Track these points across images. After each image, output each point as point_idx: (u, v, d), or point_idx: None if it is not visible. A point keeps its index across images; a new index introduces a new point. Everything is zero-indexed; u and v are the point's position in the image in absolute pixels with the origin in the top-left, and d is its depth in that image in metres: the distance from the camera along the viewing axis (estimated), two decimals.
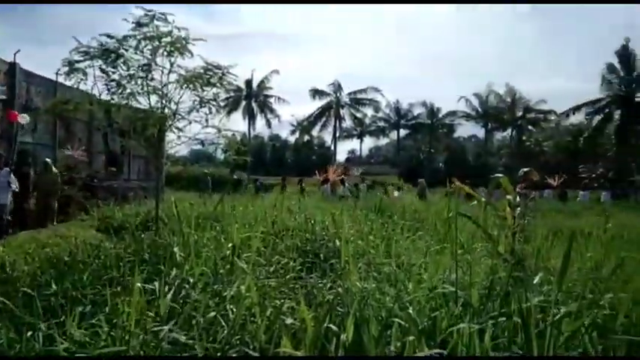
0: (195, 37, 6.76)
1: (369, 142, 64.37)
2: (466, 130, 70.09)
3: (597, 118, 37.10)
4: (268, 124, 49.48)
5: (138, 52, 6.72)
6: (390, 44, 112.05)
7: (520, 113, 51.14)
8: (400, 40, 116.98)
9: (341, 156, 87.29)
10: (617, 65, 35.36)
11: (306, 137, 59.12)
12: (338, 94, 49.20)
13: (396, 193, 15.94)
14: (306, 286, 3.17)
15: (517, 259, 3.71)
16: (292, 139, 64.17)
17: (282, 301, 2.47)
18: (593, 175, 44.17)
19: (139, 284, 2.26)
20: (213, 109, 6.89)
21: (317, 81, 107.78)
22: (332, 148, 53.70)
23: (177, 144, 7.24)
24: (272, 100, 48.63)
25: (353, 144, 63.55)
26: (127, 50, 6.70)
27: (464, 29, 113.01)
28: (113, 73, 6.77)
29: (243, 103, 48.48)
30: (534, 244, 5.94)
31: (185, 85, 6.76)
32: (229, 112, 47.19)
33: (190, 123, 7.01)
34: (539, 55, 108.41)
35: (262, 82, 48.00)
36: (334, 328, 1.94)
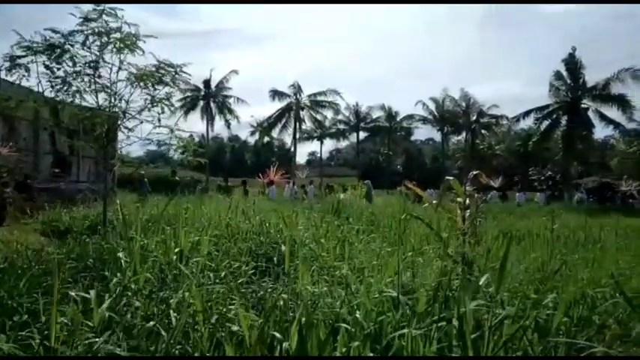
0: (149, 33, 6.58)
1: (329, 145, 64.79)
2: (423, 133, 71.94)
3: (545, 123, 38.80)
4: (227, 124, 48.76)
5: (85, 48, 6.45)
6: (350, 47, 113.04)
7: (474, 117, 52.80)
8: (361, 43, 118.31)
9: (301, 158, 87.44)
10: (564, 73, 37.15)
11: (266, 139, 58.75)
12: (298, 96, 49.13)
13: (341, 195, 16.11)
14: (257, 291, 3.10)
15: (466, 260, 3.77)
16: (252, 140, 63.71)
17: (229, 307, 2.40)
18: (542, 178, 46.30)
19: (73, 293, 2.13)
20: (166, 109, 6.70)
21: (277, 82, 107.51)
22: (292, 149, 53.60)
23: (128, 144, 6.99)
24: (231, 100, 47.97)
25: (314, 146, 63.75)
26: (72, 46, 6.42)
27: (422, 33, 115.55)
28: (58, 69, 6.48)
29: (202, 103, 47.56)
30: (484, 245, 6.11)
31: (136, 84, 6.54)
32: (187, 112, 46.22)
33: (142, 123, 6.79)
34: (494, 60, 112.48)
35: (221, 82, 47.28)
36: (277, 335, 1.89)
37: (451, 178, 4.04)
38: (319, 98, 49.28)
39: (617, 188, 30.60)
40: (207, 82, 46.84)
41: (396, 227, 6.70)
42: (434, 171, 56.13)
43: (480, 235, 8.49)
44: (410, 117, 57.34)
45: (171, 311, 2.38)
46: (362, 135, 60.04)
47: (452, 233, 4.17)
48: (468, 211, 4.07)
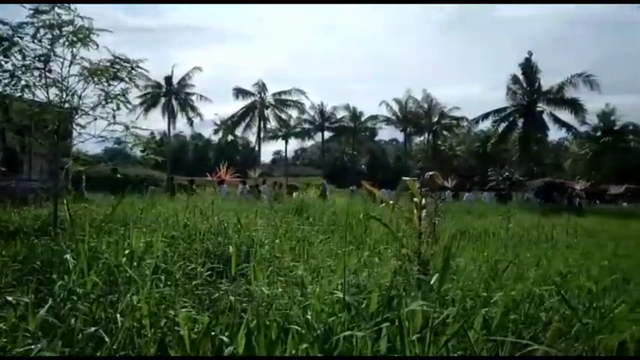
0: (110, 27, 6.38)
1: (294, 144, 64.72)
2: (387, 133, 72.97)
3: (503, 125, 40.20)
4: (190, 122, 47.89)
5: (35, 41, 6.17)
6: (316, 47, 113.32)
7: (436, 119, 54.01)
8: (326, 43, 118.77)
9: (266, 157, 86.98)
10: (521, 77, 38.59)
11: (230, 137, 58.07)
12: (262, 95, 48.82)
13: (294, 194, 16.19)
14: (212, 294, 3.04)
15: (421, 259, 3.82)
16: (216, 138, 62.82)
17: (180, 310, 2.34)
18: (500, 178, 47.91)
19: (11, 298, 2.02)
20: (122, 105, 6.48)
21: (241, 80, 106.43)
22: (257, 148, 53.26)
23: (80, 141, 6.75)
24: (194, 97, 47.14)
25: (278, 145, 63.48)
26: (22, 38, 6.13)
27: (388, 35, 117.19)
28: (6, 62, 6.18)
29: (163, 100, 46.51)
30: (441, 244, 6.22)
31: (89, 79, 6.31)
32: (147, 109, 45.11)
33: (95, 119, 6.55)
34: (456, 63, 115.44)
35: (183, 78, 46.38)
36: (225, 338, 1.86)
37: (407, 178, 4.10)
38: (284, 97, 49.18)
39: (565, 187, 31.90)
40: (168, 79, 45.88)
41: (356, 227, 6.75)
42: (397, 171, 57.04)
43: (439, 234, 8.67)
44: (374, 117, 58.12)
45: (117, 316, 2.30)
46: (327, 135, 60.43)
47: (409, 233, 4.23)
48: (425, 211, 4.14)
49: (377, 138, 69.42)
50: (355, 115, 57.88)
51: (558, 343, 1.83)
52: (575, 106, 37.26)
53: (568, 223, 12.57)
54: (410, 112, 54.92)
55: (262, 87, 48.68)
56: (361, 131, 60.05)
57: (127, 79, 6.43)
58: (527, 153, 38.68)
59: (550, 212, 19.39)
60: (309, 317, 2.05)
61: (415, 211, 3.96)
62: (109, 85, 6.39)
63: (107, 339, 1.96)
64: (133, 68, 6.45)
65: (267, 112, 49.20)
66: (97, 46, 6.32)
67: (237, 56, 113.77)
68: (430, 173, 4.42)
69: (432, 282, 2.63)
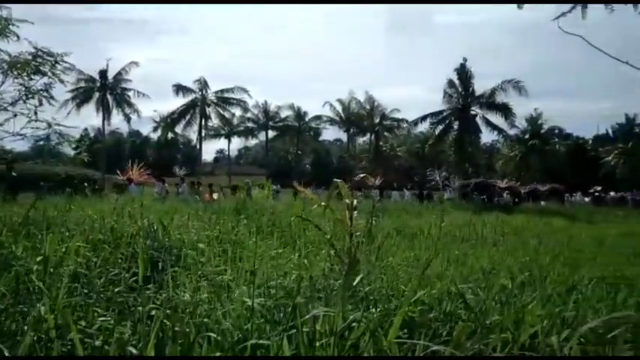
0: (24, 18, 5.97)
1: (238, 143, 63.69)
2: (332, 133, 73.60)
3: (440, 127, 41.88)
4: (127, 119, 45.80)
5: None
6: (259, 44, 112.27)
7: (377, 120, 55.17)
8: (271, 42, 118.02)
9: (209, 155, 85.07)
10: (457, 81, 40.34)
11: (170, 135, 56.26)
12: (204, 92, 47.65)
13: (215, 195, 16.01)
14: (133, 301, 2.93)
15: (351, 260, 3.85)
16: (155, 136, 60.64)
17: (96, 320, 2.23)
18: (438, 178, 49.82)
19: None
20: (44, 101, 6.11)
21: (181, 77, 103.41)
22: (198, 147, 51.94)
23: None
24: (131, 93, 45.14)
25: (221, 144, 62.28)
26: None
27: (331, 35, 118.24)
28: None
29: (97, 95, 44.18)
30: (375, 244, 6.36)
31: (8, 73, 5.89)
32: (79, 105, 42.71)
33: (15, 116, 6.13)
34: (398, 65, 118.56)
35: (119, 73, 44.31)
36: (133, 350, 1.79)
37: (339, 180, 4.14)
38: (226, 95, 48.26)
39: (492, 187, 33.50)
40: (103, 73, 43.64)
41: (296, 228, 6.75)
42: (341, 171, 57.77)
43: (375, 234, 8.83)
44: (318, 117, 58.49)
45: (25, 328, 2.16)
46: (271, 134, 60.07)
47: (340, 234, 4.27)
48: (356, 211, 4.20)
49: (321, 138, 69.93)
50: (299, 115, 57.96)
51: (464, 341, 1.93)
52: (505, 111, 39.47)
53: (497, 221, 13.30)
54: (352, 113, 55.75)
55: (204, 84, 47.53)
56: (305, 131, 60.20)
57: (50, 73, 6.06)
58: (462, 154, 40.48)
59: (482, 211, 20.41)
60: (227, 324, 2.03)
61: (347, 212, 4.01)
62: (31, 79, 6.00)
63: (7, 353, 1.84)
64: (57, 62, 6.09)
65: (209, 109, 48.10)
66: (18, 37, 5.92)
67: (178, 53, 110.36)
68: (361, 175, 4.51)
69: (354, 283, 2.68)
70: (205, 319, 2.10)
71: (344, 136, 63.00)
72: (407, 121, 52.01)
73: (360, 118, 55.58)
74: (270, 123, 57.87)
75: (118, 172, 19.48)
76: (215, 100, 48.32)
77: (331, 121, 57.62)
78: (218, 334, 1.95)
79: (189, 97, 47.53)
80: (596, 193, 40.44)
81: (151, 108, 71.83)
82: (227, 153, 62.24)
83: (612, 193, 41.76)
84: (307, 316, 1.76)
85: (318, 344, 1.70)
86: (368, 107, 55.11)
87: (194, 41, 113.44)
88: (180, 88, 47.27)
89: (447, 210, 19.34)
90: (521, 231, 13.13)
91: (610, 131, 66.62)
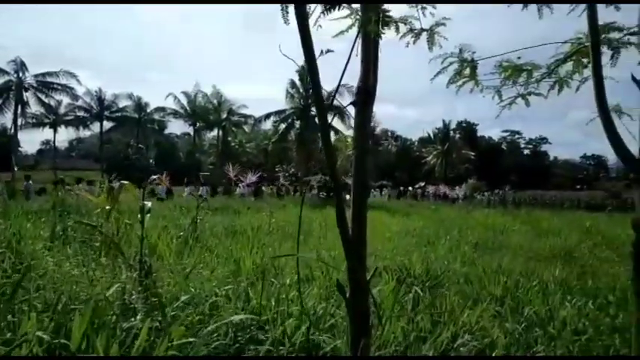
0: None
1: (68, 133, 56.78)
2: (179, 127, 70.24)
3: (283, 125, 43.51)
4: None
5: None
6: (98, 24, 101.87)
7: (225, 115, 54.62)
8: (110, 21, 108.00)
9: (32, 147, 74.35)
10: (298, 82, 42.24)
11: None
12: (21, 74, 41.50)
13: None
14: None
15: (144, 268, 3.82)
16: None
17: None
18: (287, 174, 51.59)
19: None
20: None
21: None
22: (16, 137, 45.15)
23: None
24: None
25: (46, 134, 55.05)
26: None
27: (176, 24, 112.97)
28: None
29: None
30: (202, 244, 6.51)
31: None
32: None
33: None
34: (247, 61, 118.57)
35: None
36: None
37: (126, 182, 4.23)
38: (49, 79, 42.73)
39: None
40: None
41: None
42: (189, 165, 55.61)
43: (200, 234, 8.96)
44: (161, 109, 55.59)
45: None
46: (107, 125, 55.07)
47: (131, 238, 4.35)
48: (149, 214, 4.32)
49: (167, 131, 66.51)
50: (140, 106, 54.34)
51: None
52: (341, 113, 42.59)
53: (321, 216, 14.47)
54: (199, 106, 54.27)
55: (21, 65, 41.41)
56: (147, 123, 56.58)
57: None
58: (303, 152, 42.62)
59: (321, 206, 21.72)
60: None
61: (139, 215, 4.10)
62: None
63: None
64: None
65: (27, 95, 42.08)
66: None
67: None
68: (154, 177, 4.64)
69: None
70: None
71: (192, 130, 60.95)
72: (254, 117, 52.51)
73: (207, 112, 54.37)
74: (106, 113, 53.11)
75: None
76: (35, 85, 42.45)
77: (175, 113, 55.20)
78: None
79: (2, 80, 41.03)
80: (419, 189, 46.58)
81: None
82: (53, 144, 55.34)
83: (431, 188, 48.25)
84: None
85: None
86: (215, 102, 54.18)
87: (15, 16, 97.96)
88: None
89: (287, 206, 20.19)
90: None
91: (431, 134, 75.90)
